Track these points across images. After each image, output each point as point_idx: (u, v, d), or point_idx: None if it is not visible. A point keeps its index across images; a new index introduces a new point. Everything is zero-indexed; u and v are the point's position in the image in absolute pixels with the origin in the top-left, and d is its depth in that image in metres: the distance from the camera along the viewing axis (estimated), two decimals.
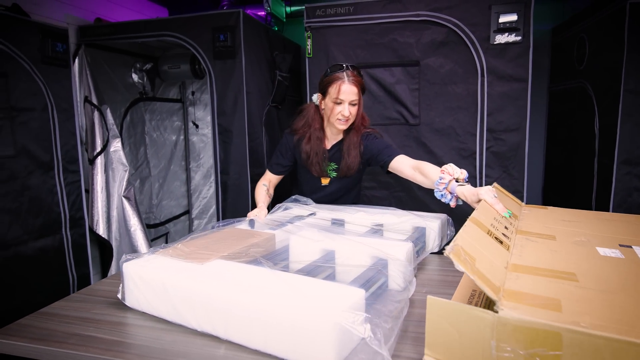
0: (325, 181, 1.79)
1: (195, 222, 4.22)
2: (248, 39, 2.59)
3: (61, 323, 0.96)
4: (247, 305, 0.81)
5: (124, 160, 2.87)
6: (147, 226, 3.56)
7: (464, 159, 2.35)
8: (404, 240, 1.18)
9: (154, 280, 0.96)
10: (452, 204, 1.27)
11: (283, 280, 0.89)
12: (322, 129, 1.75)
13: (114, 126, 2.85)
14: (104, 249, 2.89)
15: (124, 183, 2.89)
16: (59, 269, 2.04)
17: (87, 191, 2.73)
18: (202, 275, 0.94)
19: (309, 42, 2.46)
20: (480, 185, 2.33)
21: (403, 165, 1.59)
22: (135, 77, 3.33)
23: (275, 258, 1.16)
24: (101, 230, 2.74)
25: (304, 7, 2.47)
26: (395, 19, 2.34)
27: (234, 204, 2.74)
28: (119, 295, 1.03)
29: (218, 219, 2.77)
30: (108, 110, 2.82)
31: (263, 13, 3.37)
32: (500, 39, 2.19)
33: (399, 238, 1.33)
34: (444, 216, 1.49)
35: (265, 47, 2.87)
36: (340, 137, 1.75)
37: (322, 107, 1.72)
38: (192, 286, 0.90)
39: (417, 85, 2.36)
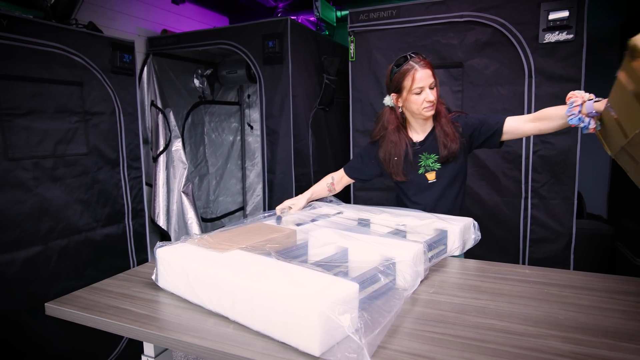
0: (431, 176, 1.65)
1: (249, 219, 4.45)
2: (295, 44, 2.71)
3: (105, 297, 1.12)
4: (249, 289, 0.90)
5: (184, 159, 3.14)
6: (204, 220, 3.84)
7: (509, 163, 2.27)
8: (418, 242, 1.21)
9: (178, 265, 1.08)
10: (592, 127, 1.23)
11: (285, 271, 0.97)
12: (398, 128, 1.67)
13: (176, 127, 3.13)
14: (164, 239, 3.18)
15: (183, 179, 3.16)
16: (121, 254, 2.30)
17: (150, 185, 3.02)
18: (216, 262, 1.05)
19: (352, 46, 2.52)
20: (526, 190, 2.24)
21: (519, 122, 1.54)
22: (196, 82, 3.60)
23: (293, 252, 1.24)
24: (161, 222, 3.01)
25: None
26: (438, 21, 2.32)
27: (279, 201, 2.86)
28: (153, 277, 1.18)
29: None
30: (171, 113, 3.10)
31: (315, 19, 3.49)
32: (550, 37, 2.09)
33: (418, 240, 1.35)
34: (469, 220, 1.47)
35: (313, 51, 2.98)
36: (430, 126, 1.66)
37: (400, 104, 1.65)
38: (206, 271, 1.01)
39: (460, 87, 2.32)
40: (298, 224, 1.52)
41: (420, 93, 1.55)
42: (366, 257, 1.13)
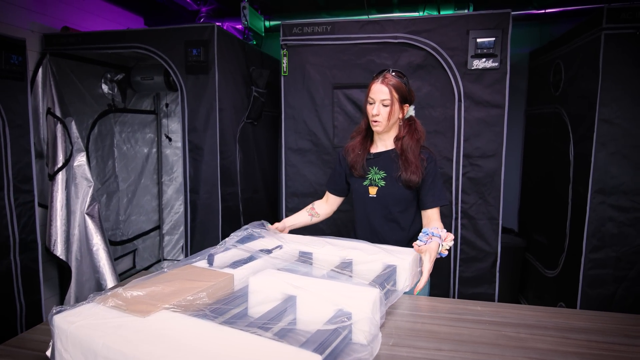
0: (372, 191, 1.64)
1: (166, 238, 4.07)
2: (222, 54, 2.51)
3: None
4: None
5: (89, 175, 2.73)
6: (114, 243, 3.40)
7: None
8: (372, 285, 1.10)
9: (83, 341, 0.82)
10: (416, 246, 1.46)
11: (230, 343, 0.79)
12: (367, 132, 1.68)
13: (79, 139, 2.71)
14: (63, 270, 2.73)
15: (88, 199, 2.74)
16: (4, 298, 1.89)
17: (44, 207, 2.57)
18: (136, 335, 0.82)
19: (284, 60, 2.39)
20: (456, 211, 2.29)
21: (424, 217, 1.64)
22: (105, 87, 3.19)
23: (232, 304, 1.06)
24: (59, 251, 2.58)
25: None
26: (372, 40, 2.29)
27: (203, 224, 2.62)
28: (48, 353, 0.90)
29: (186, 240, 2.65)
30: (73, 123, 2.68)
31: (241, 27, 3.30)
32: (478, 64, 2.17)
33: (367, 279, 1.25)
34: (414, 252, 1.42)
35: (241, 62, 2.79)
36: (390, 145, 1.65)
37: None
38: (123, 350, 0.78)
39: None
40: (234, 263, 1.33)
41: (373, 104, 1.57)
42: (317, 308, 0.99)
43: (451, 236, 1.51)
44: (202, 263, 1.29)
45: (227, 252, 1.39)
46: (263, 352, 0.77)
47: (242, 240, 1.50)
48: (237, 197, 2.79)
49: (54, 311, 0.89)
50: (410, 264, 1.32)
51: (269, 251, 1.44)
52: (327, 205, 1.84)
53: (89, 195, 2.73)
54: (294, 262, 1.37)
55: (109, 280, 2.84)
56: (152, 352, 0.76)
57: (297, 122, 2.45)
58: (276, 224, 1.69)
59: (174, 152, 3.86)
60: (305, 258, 1.44)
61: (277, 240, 1.52)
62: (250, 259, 1.36)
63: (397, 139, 1.62)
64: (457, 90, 2.22)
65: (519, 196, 3.46)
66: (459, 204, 2.28)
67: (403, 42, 2.25)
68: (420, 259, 1.42)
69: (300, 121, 2.44)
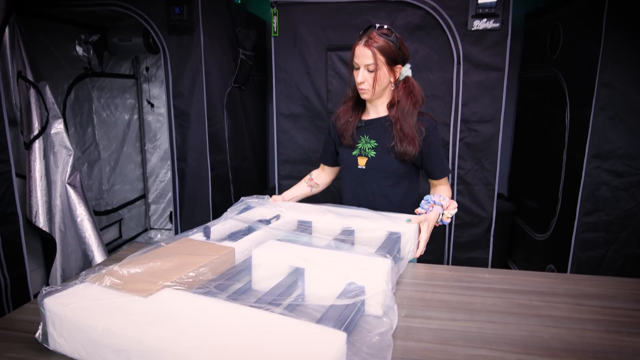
0: (361, 162, 1.50)
1: (153, 207, 3.97)
2: (207, 12, 2.34)
3: None
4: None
5: (68, 144, 2.59)
6: (98, 213, 3.29)
7: None
8: (380, 254, 1.06)
9: (79, 324, 0.75)
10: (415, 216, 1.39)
11: (244, 321, 0.74)
12: (358, 97, 1.51)
13: (55, 105, 2.54)
14: (47, 242, 2.63)
15: (68, 169, 2.61)
16: None
17: (22, 177, 2.44)
18: (139, 317, 0.75)
19: (275, 19, 2.25)
20: (453, 177, 2.26)
21: (432, 187, 1.57)
22: (79, 49, 2.98)
23: (235, 278, 1.00)
24: (41, 223, 2.47)
25: None
26: None
27: (192, 193, 2.54)
28: (38, 335, 0.82)
29: (175, 210, 2.57)
30: (47, 88, 2.50)
31: None
32: (479, 24, 2.08)
33: (372, 246, 1.21)
34: (417, 218, 1.38)
35: (226, 22, 2.62)
36: (383, 112, 1.48)
37: None
38: (128, 335, 0.71)
39: None
40: (231, 235, 1.27)
41: (358, 69, 1.40)
42: (327, 281, 0.95)
43: (454, 204, 1.47)
44: (199, 236, 1.22)
45: (223, 223, 1.33)
46: (285, 330, 0.71)
47: (242, 213, 1.44)
48: (226, 165, 2.70)
49: (44, 292, 0.81)
50: (414, 231, 1.28)
51: (267, 222, 1.38)
52: (324, 174, 1.74)
53: (69, 165, 2.60)
54: (293, 232, 1.32)
55: (96, 251, 2.76)
56: (161, 335, 0.70)
57: (288, 86, 2.33)
58: (274, 197, 1.60)
59: (157, 118, 3.69)
60: (304, 227, 1.39)
61: (274, 210, 1.46)
62: (249, 230, 1.30)
63: (391, 105, 1.46)
64: (456, 52, 2.13)
65: (509, 161, 3.46)
66: (456, 170, 2.25)
67: (401, 1, 2.13)
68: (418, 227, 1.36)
69: (292, 85, 2.33)
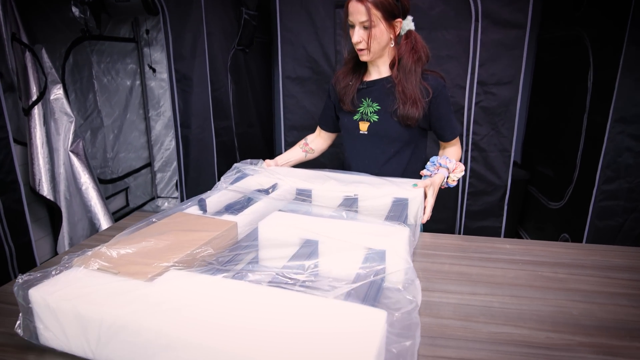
0: (363, 127, 1.40)
1: (159, 176, 3.93)
2: None
3: None
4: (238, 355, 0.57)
5: (68, 110, 2.51)
6: (104, 182, 3.25)
7: None
8: (396, 223, 0.99)
9: (75, 319, 0.66)
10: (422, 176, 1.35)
11: (283, 306, 0.66)
12: (357, 59, 1.38)
13: (53, 70, 2.45)
14: (53, 210, 2.60)
15: (70, 136, 2.55)
16: None
17: (23, 145, 2.38)
18: (146, 305, 0.65)
19: None
20: (467, 143, 2.17)
21: (441, 148, 1.48)
22: (75, 11, 2.84)
23: (241, 256, 0.93)
24: (45, 191, 2.43)
25: None
26: None
27: (197, 161, 2.47)
28: (18, 328, 0.71)
29: (180, 178, 2.52)
30: (43, 51, 2.40)
31: None
32: None
33: (378, 215, 1.13)
34: (423, 182, 1.29)
35: None
36: (385, 71, 1.37)
37: None
38: (154, 326, 0.61)
39: None
40: (229, 207, 1.18)
41: (353, 27, 1.27)
42: (344, 256, 0.88)
43: (461, 167, 1.36)
44: (194, 210, 1.12)
45: (219, 195, 1.22)
46: (323, 312, 0.65)
47: (236, 182, 1.35)
48: (231, 132, 2.62)
49: (20, 281, 0.72)
50: (422, 196, 1.21)
51: (266, 191, 1.30)
52: (320, 139, 1.63)
53: (71, 132, 2.54)
54: (294, 202, 1.23)
55: (102, 219, 2.74)
56: (189, 331, 0.61)
57: (295, 48, 2.21)
58: (267, 161, 1.49)
59: (159, 84, 3.58)
60: (304, 196, 1.30)
61: (272, 177, 1.36)
62: (248, 201, 1.20)
63: (392, 64, 1.34)
64: (475, 8, 1.99)
65: (524, 128, 3.34)
66: (470, 136, 2.15)
67: None
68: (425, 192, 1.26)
69: (299, 46, 2.21)
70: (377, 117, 1.37)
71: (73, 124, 2.53)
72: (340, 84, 1.42)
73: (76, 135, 2.56)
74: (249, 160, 1.42)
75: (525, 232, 3.24)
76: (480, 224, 2.29)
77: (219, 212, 1.12)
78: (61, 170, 2.55)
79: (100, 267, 0.77)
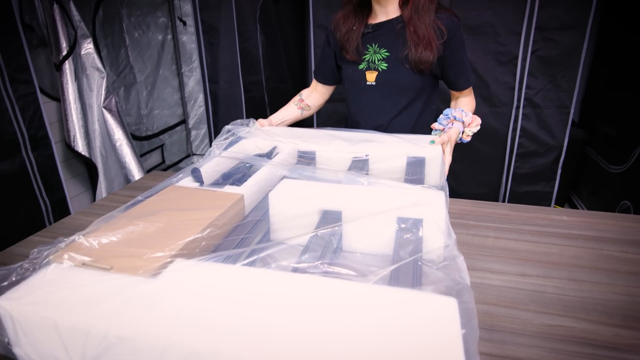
0: (370, 77, 1.26)
1: (193, 133, 3.91)
2: None
3: None
4: None
5: (100, 65, 2.48)
6: (139, 138, 3.27)
7: (502, 66, 1.91)
8: (428, 186, 0.85)
9: (50, 332, 0.51)
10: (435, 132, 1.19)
11: (340, 298, 0.54)
12: (362, 4, 1.23)
13: (82, 23, 2.40)
14: (91, 169, 2.65)
15: (103, 92, 2.53)
16: (26, 195, 1.80)
17: (57, 100, 2.39)
18: (157, 309, 0.51)
19: None
20: (518, 98, 1.93)
21: (454, 99, 1.31)
22: None
23: (251, 234, 0.81)
24: (80, 147, 2.45)
25: None
26: None
27: (226, 117, 2.40)
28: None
29: (209, 136, 2.46)
30: (72, 4, 2.34)
31: None
32: None
33: (395, 179, 0.98)
34: (440, 138, 1.13)
35: None
36: (394, 12, 1.21)
37: None
38: (153, 336, 0.47)
39: None
40: (227, 176, 1.04)
41: None
42: (374, 230, 0.76)
43: (478, 120, 1.19)
44: (188, 181, 0.98)
45: (215, 162, 1.07)
46: (389, 302, 0.54)
47: (230, 147, 1.18)
48: (261, 87, 2.50)
49: None
50: (442, 155, 1.05)
51: (267, 155, 1.15)
52: (317, 94, 1.45)
53: (104, 88, 2.52)
54: (297, 165, 1.08)
55: (137, 176, 2.77)
56: (220, 341, 0.47)
57: None
58: (261, 121, 1.34)
59: (191, 38, 3.47)
60: (306, 158, 1.15)
61: (270, 139, 1.21)
62: (249, 168, 1.06)
63: (403, 2, 1.17)
64: None
65: (585, 81, 2.98)
66: (523, 90, 1.91)
67: None
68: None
69: None
70: (385, 65, 1.22)
71: (105, 80, 2.50)
72: (341, 29, 1.25)
73: (108, 91, 2.54)
74: (239, 120, 1.29)
75: (579, 198, 2.98)
76: (528, 189, 2.08)
77: (218, 183, 0.99)
78: (96, 127, 2.56)
79: (80, 262, 0.61)
